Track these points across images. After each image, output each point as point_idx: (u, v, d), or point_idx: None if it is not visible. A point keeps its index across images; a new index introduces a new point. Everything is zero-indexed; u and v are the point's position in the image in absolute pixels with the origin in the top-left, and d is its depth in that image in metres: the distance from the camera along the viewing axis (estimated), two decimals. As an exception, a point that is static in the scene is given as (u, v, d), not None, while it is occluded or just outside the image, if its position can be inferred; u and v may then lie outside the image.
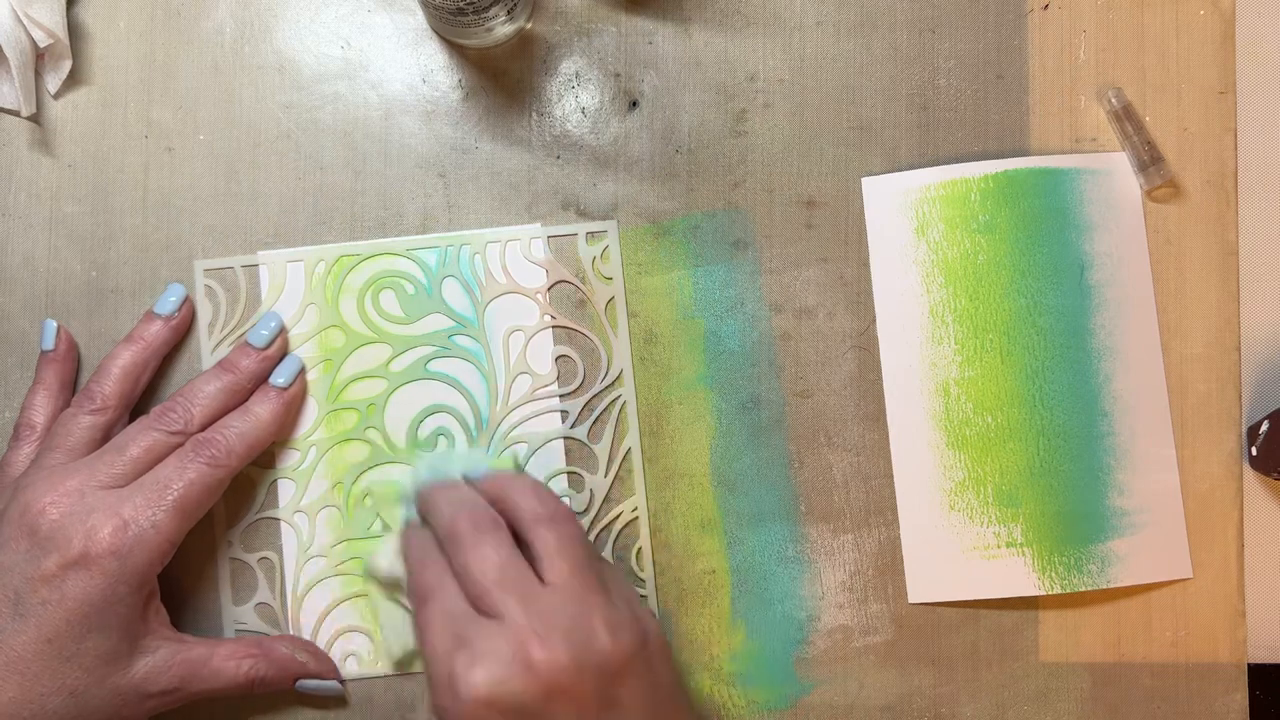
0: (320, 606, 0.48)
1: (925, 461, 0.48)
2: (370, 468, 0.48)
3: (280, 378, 0.47)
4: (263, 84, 0.49)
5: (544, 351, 0.49)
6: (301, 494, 0.48)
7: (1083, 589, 0.48)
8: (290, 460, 0.48)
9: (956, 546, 0.48)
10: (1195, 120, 0.49)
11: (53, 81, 0.49)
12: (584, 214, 0.49)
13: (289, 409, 0.47)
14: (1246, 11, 0.50)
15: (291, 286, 0.49)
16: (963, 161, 0.49)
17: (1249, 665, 0.48)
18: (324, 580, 0.48)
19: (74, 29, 0.49)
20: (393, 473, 0.48)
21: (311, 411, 0.48)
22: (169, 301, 0.47)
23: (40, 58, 0.49)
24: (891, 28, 0.50)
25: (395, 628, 0.47)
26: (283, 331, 0.47)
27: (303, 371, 0.48)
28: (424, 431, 0.48)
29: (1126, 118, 0.49)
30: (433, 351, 0.48)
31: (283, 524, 0.48)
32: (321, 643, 0.48)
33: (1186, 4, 0.50)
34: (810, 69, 0.50)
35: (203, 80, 0.49)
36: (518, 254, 0.49)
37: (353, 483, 0.48)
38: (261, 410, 0.46)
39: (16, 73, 0.47)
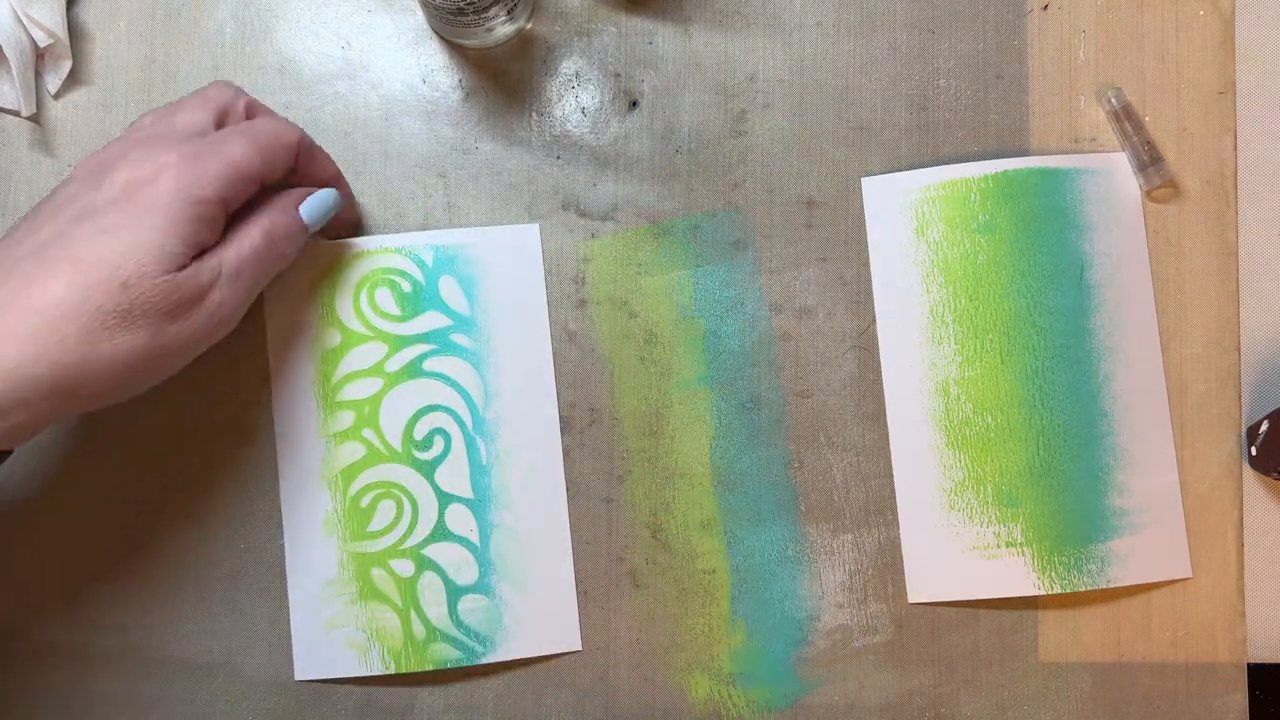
0: (318, 605, 0.48)
1: (925, 461, 0.48)
2: (367, 467, 0.48)
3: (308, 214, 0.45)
4: (263, 84, 0.49)
5: (541, 350, 0.49)
6: (301, 493, 0.48)
7: (1082, 589, 0.48)
8: (288, 457, 0.48)
9: (956, 546, 0.48)
10: (1195, 120, 0.49)
11: (53, 81, 0.49)
12: (584, 214, 0.49)
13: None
14: (1246, 12, 0.50)
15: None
16: (963, 161, 0.49)
17: (1249, 665, 0.48)
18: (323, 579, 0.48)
19: (74, 29, 0.49)
20: None
21: (309, 410, 0.48)
22: (320, 208, 0.45)
23: (40, 58, 0.49)
24: (891, 28, 0.50)
25: None
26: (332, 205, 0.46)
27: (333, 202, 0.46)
28: (420, 430, 0.48)
29: (1126, 118, 0.49)
30: (429, 350, 0.48)
31: (282, 523, 0.48)
32: (320, 641, 0.48)
33: (1186, 4, 0.50)
34: (810, 69, 0.50)
35: (203, 80, 0.49)
36: (516, 253, 0.49)
37: (350, 481, 0.48)
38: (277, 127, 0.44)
39: (16, 73, 0.47)
